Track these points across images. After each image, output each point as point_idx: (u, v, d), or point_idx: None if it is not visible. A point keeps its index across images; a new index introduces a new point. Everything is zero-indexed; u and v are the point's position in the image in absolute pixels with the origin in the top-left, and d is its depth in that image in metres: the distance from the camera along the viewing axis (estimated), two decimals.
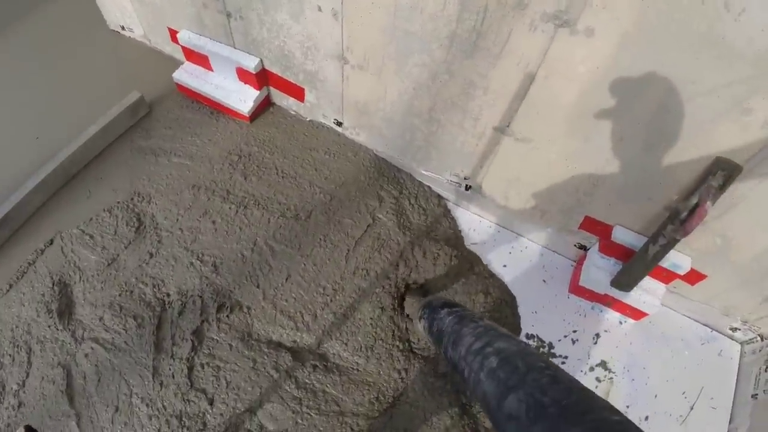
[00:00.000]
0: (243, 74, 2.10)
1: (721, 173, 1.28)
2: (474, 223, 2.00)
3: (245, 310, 1.70)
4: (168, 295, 1.72)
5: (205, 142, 2.14)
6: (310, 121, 2.20)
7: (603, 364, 1.72)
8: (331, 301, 1.72)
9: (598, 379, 1.70)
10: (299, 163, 2.08)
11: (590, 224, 1.70)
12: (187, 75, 2.20)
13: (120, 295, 1.72)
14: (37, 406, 1.53)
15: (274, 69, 2.05)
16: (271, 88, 2.19)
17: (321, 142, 2.15)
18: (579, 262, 1.86)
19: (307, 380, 1.57)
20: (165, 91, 2.29)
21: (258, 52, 2.01)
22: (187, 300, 1.70)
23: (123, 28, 2.48)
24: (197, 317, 1.66)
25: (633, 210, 1.55)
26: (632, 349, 1.76)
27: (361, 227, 1.90)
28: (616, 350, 1.75)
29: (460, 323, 1.08)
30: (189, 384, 1.54)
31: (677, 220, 1.38)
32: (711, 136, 1.25)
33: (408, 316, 1.70)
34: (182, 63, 2.26)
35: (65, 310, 1.70)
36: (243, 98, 2.13)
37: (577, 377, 1.64)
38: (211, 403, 1.52)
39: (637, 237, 1.60)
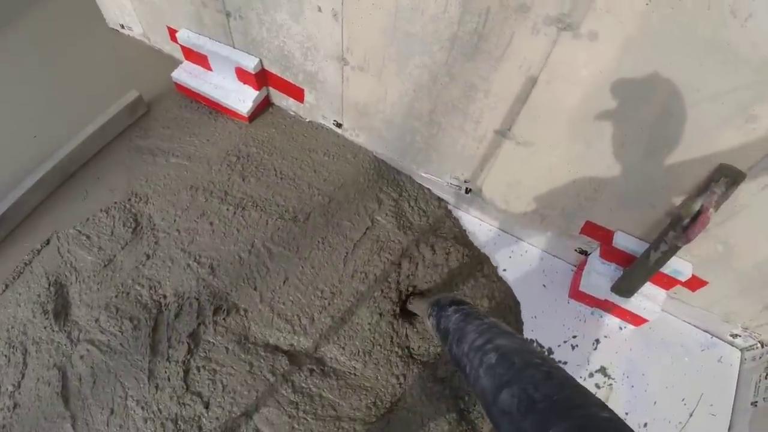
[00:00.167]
0: (242, 74, 2.09)
1: (725, 180, 1.27)
2: (474, 227, 1.98)
3: (242, 312, 1.69)
4: (164, 297, 1.71)
5: (203, 142, 2.12)
6: (309, 122, 2.19)
7: (602, 370, 1.71)
8: (329, 304, 1.71)
9: (597, 386, 1.68)
10: (298, 165, 2.06)
11: (591, 229, 1.68)
12: (186, 74, 2.18)
13: (116, 296, 1.70)
14: (32, 408, 1.52)
15: (273, 69, 2.04)
16: (271, 89, 2.18)
17: (320, 143, 2.13)
18: (579, 267, 1.85)
19: (303, 384, 1.56)
20: (164, 91, 2.27)
21: (257, 52, 1.99)
22: (183, 302, 1.69)
23: (122, 26, 2.46)
24: (194, 320, 1.65)
25: (634, 216, 1.54)
26: (632, 355, 1.75)
27: (359, 230, 1.88)
28: (615, 356, 1.74)
29: (465, 320, 1.10)
30: (185, 387, 1.53)
31: (679, 227, 1.36)
32: (714, 143, 1.23)
33: (409, 320, 1.68)
34: (181, 62, 2.24)
35: (61, 311, 1.68)
36: (242, 98, 2.12)
37: None
38: (206, 406, 1.51)
39: (638, 243, 1.59)
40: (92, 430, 1.49)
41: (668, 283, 1.63)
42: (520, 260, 1.91)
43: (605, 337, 1.78)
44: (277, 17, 1.75)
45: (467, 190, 1.88)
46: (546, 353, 1.73)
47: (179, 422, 1.49)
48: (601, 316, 1.81)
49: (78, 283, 1.73)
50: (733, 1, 0.99)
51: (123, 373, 1.56)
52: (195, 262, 1.78)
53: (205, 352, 1.60)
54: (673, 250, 1.43)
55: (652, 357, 1.75)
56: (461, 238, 1.94)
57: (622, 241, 1.60)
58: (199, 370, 1.57)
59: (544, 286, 1.87)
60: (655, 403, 1.66)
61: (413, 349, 1.63)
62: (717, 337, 1.81)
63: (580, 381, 1.65)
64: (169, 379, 1.55)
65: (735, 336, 1.76)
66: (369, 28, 1.53)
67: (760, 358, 1.70)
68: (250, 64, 1.99)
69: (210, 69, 2.18)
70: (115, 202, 1.92)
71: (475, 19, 1.28)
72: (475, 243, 1.94)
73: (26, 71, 2.31)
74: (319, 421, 1.50)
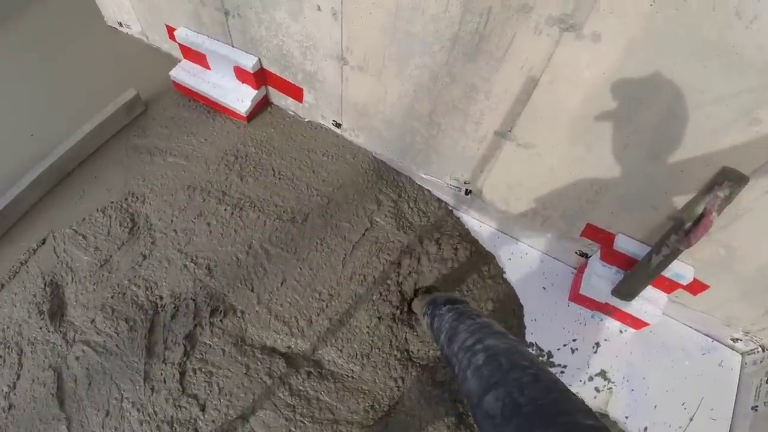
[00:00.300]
0: (241, 73, 2.07)
1: (728, 183, 1.25)
2: (473, 228, 1.96)
3: (239, 314, 1.67)
4: (161, 297, 1.69)
5: (201, 141, 2.11)
6: (308, 121, 2.17)
7: (602, 374, 1.70)
8: (327, 306, 1.69)
9: (597, 389, 1.67)
10: (297, 165, 2.04)
11: (592, 232, 1.67)
12: (185, 73, 2.17)
13: (112, 297, 1.69)
14: (27, 409, 1.51)
15: (272, 68, 2.02)
16: (269, 88, 2.16)
17: (319, 143, 2.11)
18: (579, 270, 1.83)
19: (301, 387, 1.55)
20: (162, 89, 2.25)
21: (256, 51, 1.97)
22: (180, 303, 1.67)
23: (120, 24, 2.45)
24: (190, 321, 1.63)
25: (636, 218, 1.52)
26: (632, 358, 1.73)
27: (358, 231, 1.87)
28: (615, 360, 1.73)
29: (458, 320, 1.09)
30: (181, 389, 1.52)
31: (681, 231, 1.35)
32: (718, 146, 1.21)
33: (411, 323, 1.67)
34: (179, 61, 2.22)
35: (57, 311, 1.67)
36: (240, 97, 2.10)
37: (575, 387, 1.64)
38: (203, 409, 1.50)
39: (639, 246, 1.57)
40: (87, 431, 1.47)
41: (669, 286, 1.61)
42: (519, 262, 1.89)
43: (605, 340, 1.77)
44: (276, 16, 1.73)
45: (467, 192, 1.87)
46: (546, 357, 1.72)
47: (175, 425, 1.47)
48: (602, 320, 1.80)
49: (74, 284, 1.72)
50: (738, 2, 0.97)
51: (119, 375, 1.55)
52: (192, 263, 1.76)
53: (202, 354, 1.59)
54: (675, 254, 1.41)
55: (653, 361, 1.73)
56: (466, 235, 1.92)
57: (624, 244, 1.59)
58: (195, 372, 1.55)
59: (544, 288, 1.85)
60: (655, 407, 1.65)
61: (413, 352, 1.62)
62: (718, 341, 1.79)
63: (580, 385, 1.66)
64: (165, 381, 1.53)
65: (736, 340, 1.75)
66: (369, 27, 1.51)
67: (761, 362, 1.69)
68: (249, 63, 1.97)
69: (208, 68, 2.16)
70: (112, 202, 1.90)
71: (476, 19, 1.27)
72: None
73: (24, 69, 2.30)
74: (317, 424, 1.49)
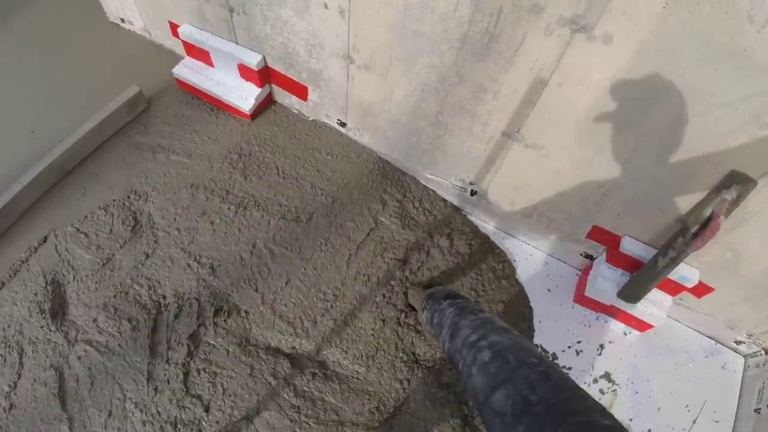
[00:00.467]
0: (245, 71, 2.05)
1: (736, 187, 1.25)
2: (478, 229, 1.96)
3: (243, 314, 1.66)
4: (164, 297, 1.68)
5: (204, 139, 2.09)
6: (312, 120, 2.16)
7: (607, 376, 1.70)
8: (332, 307, 1.69)
9: (601, 391, 1.67)
10: (301, 164, 2.03)
11: (598, 234, 1.67)
12: (188, 70, 2.15)
13: (115, 296, 1.67)
14: (29, 409, 1.49)
15: (276, 66, 2.00)
16: (274, 86, 2.15)
17: (323, 142, 2.10)
18: (584, 272, 1.83)
19: (305, 388, 1.54)
20: (164, 87, 2.23)
21: (261, 49, 1.95)
22: (183, 303, 1.66)
23: (123, 20, 2.42)
24: (194, 321, 1.62)
25: (643, 221, 1.52)
26: (636, 361, 1.74)
27: (363, 231, 1.86)
28: (620, 362, 1.73)
29: (459, 315, 1.07)
30: (184, 390, 1.51)
31: (689, 233, 1.35)
32: (727, 149, 1.21)
33: (414, 316, 1.66)
34: (182, 58, 2.20)
35: (58, 310, 1.65)
36: (244, 95, 2.08)
37: None
38: (206, 410, 1.48)
39: (645, 248, 1.57)
40: None
41: (675, 289, 1.62)
42: (524, 264, 1.89)
43: (610, 342, 1.77)
44: (281, 13, 1.71)
45: (473, 192, 1.86)
46: (550, 359, 1.71)
47: (179, 425, 1.46)
48: (606, 322, 1.80)
49: (76, 282, 1.70)
50: (751, 6, 0.97)
51: (121, 375, 1.53)
52: (195, 262, 1.75)
53: (206, 354, 1.58)
54: (681, 257, 1.41)
55: (657, 363, 1.73)
56: (477, 231, 1.92)
57: (630, 246, 1.59)
58: (199, 373, 1.54)
59: (548, 290, 1.85)
60: (659, 409, 1.65)
61: (419, 355, 1.61)
62: (721, 343, 1.80)
63: (584, 386, 1.65)
64: (168, 382, 1.52)
65: (739, 343, 1.76)
66: (376, 26, 1.50)
67: (764, 365, 1.70)
68: (253, 60, 1.96)
69: (212, 65, 2.14)
70: (114, 200, 1.88)
71: (486, 19, 1.26)
72: None
73: (25, 65, 2.27)
74: (321, 425, 1.48)
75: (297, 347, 1.62)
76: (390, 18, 1.45)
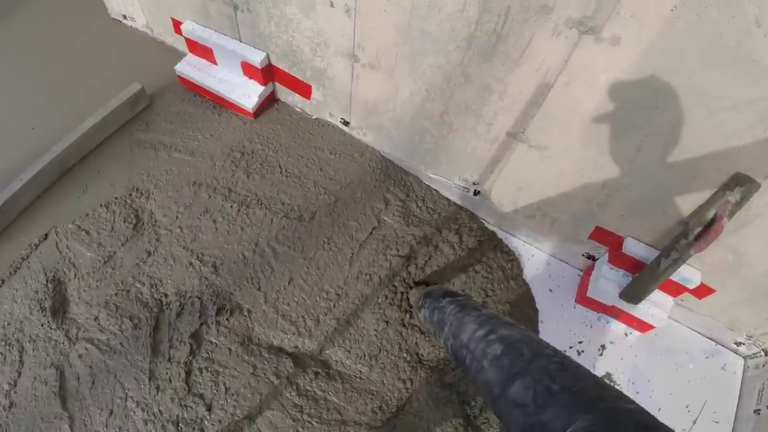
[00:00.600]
0: (248, 69, 2.04)
1: (739, 189, 1.26)
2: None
3: (246, 313, 1.65)
4: (166, 295, 1.67)
5: (206, 137, 2.08)
6: (316, 119, 2.15)
7: (608, 376, 1.71)
8: (335, 306, 1.68)
9: None
10: (304, 163, 2.03)
11: (601, 235, 1.67)
12: (190, 67, 2.14)
13: (116, 294, 1.66)
14: (29, 408, 1.48)
15: (280, 64, 2.00)
16: (277, 84, 2.14)
17: (326, 141, 2.10)
18: (586, 272, 1.84)
19: (308, 387, 1.53)
20: (166, 84, 2.22)
21: (265, 47, 1.95)
22: (185, 301, 1.65)
23: (125, 17, 2.41)
24: (196, 319, 1.61)
25: (646, 222, 1.53)
26: (637, 361, 1.74)
27: (366, 230, 1.86)
28: (621, 362, 1.74)
29: (462, 311, 1.08)
30: (186, 389, 1.50)
31: (691, 235, 1.35)
32: (731, 152, 1.22)
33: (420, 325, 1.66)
34: (185, 55, 2.19)
35: (59, 308, 1.64)
36: (247, 93, 2.07)
37: None
38: (209, 409, 1.48)
39: (648, 249, 1.58)
40: (90, 431, 1.45)
41: (676, 290, 1.62)
42: (526, 264, 1.89)
43: (611, 343, 1.78)
44: (286, 11, 1.71)
45: (476, 192, 1.86)
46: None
47: (180, 424, 1.46)
48: (608, 322, 1.81)
49: (77, 280, 1.69)
50: (759, 10, 0.97)
51: (123, 374, 1.53)
52: (197, 261, 1.74)
53: (208, 353, 1.57)
54: (684, 258, 1.42)
55: (657, 364, 1.74)
56: (485, 228, 1.92)
57: (632, 247, 1.59)
58: (201, 372, 1.53)
59: (550, 290, 1.86)
60: (659, 409, 1.66)
61: (422, 355, 1.61)
62: (721, 344, 1.81)
63: None
64: (170, 380, 1.51)
65: (739, 344, 1.77)
66: (383, 25, 1.50)
67: (764, 366, 1.71)
68: (257, 58, 1.95)
69: (215, 63, 2.13)
70: (116, 197, 1.87)
71: (494, 19, 1.26)
72: None
73: (26, 62, 2.25)
74: (324, 424, 1.48)
75: (300, 346, 1.61)
76: (396, 17, 1.44)
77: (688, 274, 1.54)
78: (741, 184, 1.26)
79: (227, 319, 1.63)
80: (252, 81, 2.09)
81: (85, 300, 1.65)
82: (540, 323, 1.77)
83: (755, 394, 1.67)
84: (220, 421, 1.46)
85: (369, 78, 1.73)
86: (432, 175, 1.94)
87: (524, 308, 1.75)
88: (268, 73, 2.05)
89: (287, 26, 1.77)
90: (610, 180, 1.47)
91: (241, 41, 1.99)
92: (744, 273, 1.50)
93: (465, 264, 1.78)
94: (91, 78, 2.20)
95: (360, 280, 1.74)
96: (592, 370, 1.68)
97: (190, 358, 1.55)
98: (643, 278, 1.57)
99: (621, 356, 1.75)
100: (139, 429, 1.45)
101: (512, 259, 1.85)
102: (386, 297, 1.70)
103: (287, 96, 2.16)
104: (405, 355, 1.59)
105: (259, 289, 1.70)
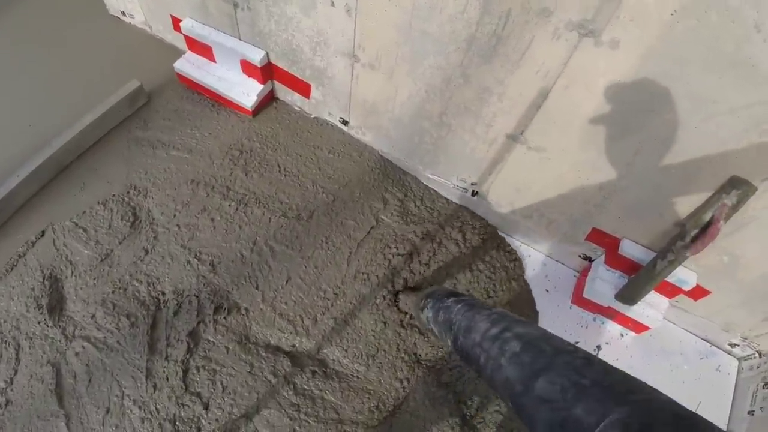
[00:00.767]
0: (247, 67, 2.04)
1: (736, 192, 1.27)
2: None
3: (243, 311, 1.65)
4: (163, 293, 1.67)
5: (205, 135, 2.07)
6: (314, 118, 2.15)
7: None
8: (332, 305, 1.69)
9: None
10: (302, 161, 2.02)
11: (597, 236, 1.68)
12: (189, 65, 2.13)
13: (113, 292, 1.66)
14: (25, 405, 1.48)
15: (280, 63, 1.99)
16: (276, 83, 2.13)
17: (325, 140, 2.09)
18: (583, 273, 1.85)
19: (305, 386, 1.54)
20: (165, 81, 2.21)
21: (264, 45, 1.94)
22: (183, 300, 1.65)
23: (123, 13, 2.39)
24: (193, 318, 1.61)
25: (643, 224, 1.54)
26: (632, 362, 1.76)
27: (364, 229, 1.86)
28: (616, 363, 1.67)
29: (471, 310, 1.06)
30: (183, 387, 1.50)
31: (688, 237, 1.36)
32: (728, 155, 1.23)
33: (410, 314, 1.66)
34: (184, 52, 2.18)
35: (56, 305, 1.63)
36: (246, 91, 2.07)
37: None
38: (206, 407, 1.48)
39: (644, 251, 1.59)
40: (87, 429, 1.45)
41: (672, 291, 1.64)
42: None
43: (606, 343, 1.79)
44: (287, 10, 1.70)
45: (474, 193, 1.87)
46: None
47: (177, 423, 1.46)
48: (603, 323, 1.82)
49: (74, 278, 1.68)
50: (758, 16, 0.98)
51: (120, 372, 1.52)
52: (195, 259, 1.74)
53: (205, 352, 1.57)
54: (680, 260, 1.43)
55: (652, 364, 1.76)
56: (488, 225, 1.92)
57: (629, 248, 1.60)
58: (198, 370, 1.53)
59: (546, 291, 1.86)
60: None
61: (420, 355, 1.61)
62: (716, 346, 1.83)
63: None
64: (167, 379, 1.51)
65: (733, 345, 1.78)
66: (383, 25, 1.50)
67: (758, 367, 1.73)
68: (256, 57, 1.94)
69: (214, 60, 2.13)
70: (113, 195, 1.87)
71: (494, 21, 1.26)
72: None
73: (24, 58, 2.23)
74: (321, 423, 1.48)
75: (297, 345, 1.61)
76: (397, 17, 1.44)
77: (684, 275, 1.55)
78: (737, 187, 1.27)
79: (225, 317, 1.63)
80: (251, 79, 2.08)
81: (82, 298, 1.64)
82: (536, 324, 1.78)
83: (749, 396, 1.69)
84: (217, 420, 1.46)
85: (369, 78, 1.73)
86: (430, 176, 1.94)
87: (524, 309, 1.75)
88: (267, 72, 2.05)
89: (287, 25, 1.77)
90: (607, 182, 1.48)
91: (240, 39, 1.99)
92: (740, 275, 1.51)
93: (469, 262, 1.78)
94: (89, 75, 2.18)
95: (358, 280, 1.74)
96: None
97: (188, 356, 1.55)
98: (639, 279, 1.58)
99: (616, 357, 1.76)
100: (136, 427, 1.45)
101: (515, 259, 1.86)
102: (384, 297, 1.71)
103: (286, 95, 2.16)
104: (402, 354, 1.60)
105: (256, 288, 1.70)
